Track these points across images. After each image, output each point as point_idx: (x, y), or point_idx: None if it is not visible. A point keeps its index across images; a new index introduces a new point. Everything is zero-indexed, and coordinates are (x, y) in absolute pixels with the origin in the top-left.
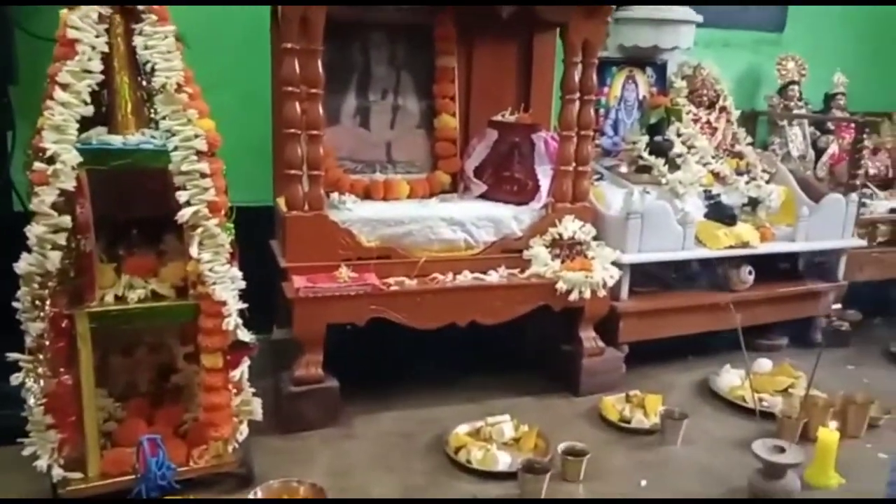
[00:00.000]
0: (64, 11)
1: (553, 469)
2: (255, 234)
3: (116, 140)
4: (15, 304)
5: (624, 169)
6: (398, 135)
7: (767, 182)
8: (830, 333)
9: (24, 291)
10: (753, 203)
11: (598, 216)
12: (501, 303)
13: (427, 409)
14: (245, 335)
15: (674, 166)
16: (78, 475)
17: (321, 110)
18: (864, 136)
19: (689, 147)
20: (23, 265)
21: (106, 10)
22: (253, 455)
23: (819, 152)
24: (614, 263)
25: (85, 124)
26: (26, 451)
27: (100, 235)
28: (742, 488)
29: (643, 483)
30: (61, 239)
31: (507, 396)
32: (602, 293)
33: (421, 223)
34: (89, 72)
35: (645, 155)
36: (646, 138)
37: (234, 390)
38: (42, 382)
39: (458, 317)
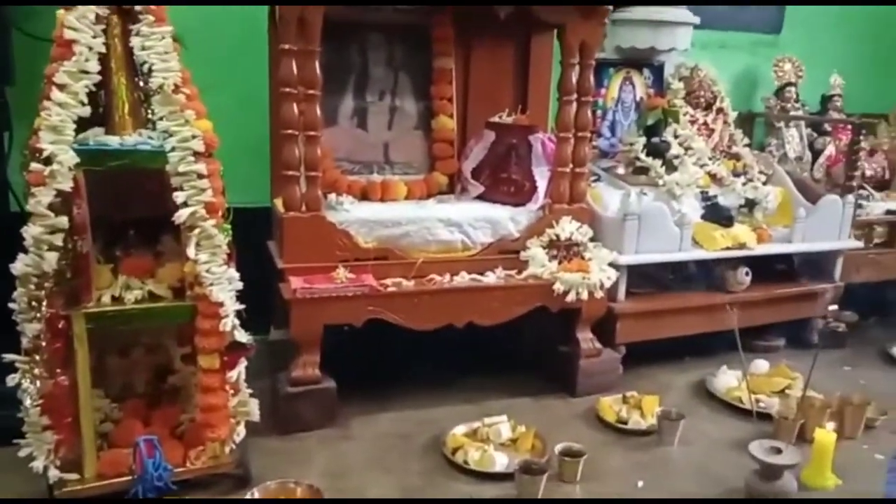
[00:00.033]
0: (61, 12)
1: (550, 470)
2: (252, 234)
3: (113, 141)
4: (11, 305)
5: (621, 170)
6: (396, 136)
7: (764, 183)
8: (827, 334)
9: (20, 292)
10: (750, 204)
11: (595, 217)
12: (498, 304)
13: (424, 410)
14: (242, 336)
15: (671, 168)
16: (74, 476)
17: (319, 111)
18: (861, 137)
19: (686, 148)
20: (19, 266)
21: (103, 10)
22: (250, 456)
23: (816, 154)
24: (611, 265)
25: (82, 125)
26: (22, 453)
27: (97, 236)
28: (739, 489)
29: (640, 484)
30: (58, 240)
31: (505, 397)
32: (599, 294)
33: (418, 224)
34: (86, 72)
35: (642, 156)
36: (643, 140)
37: (231, 391)
38: (38, 383)
39: (455, 318)
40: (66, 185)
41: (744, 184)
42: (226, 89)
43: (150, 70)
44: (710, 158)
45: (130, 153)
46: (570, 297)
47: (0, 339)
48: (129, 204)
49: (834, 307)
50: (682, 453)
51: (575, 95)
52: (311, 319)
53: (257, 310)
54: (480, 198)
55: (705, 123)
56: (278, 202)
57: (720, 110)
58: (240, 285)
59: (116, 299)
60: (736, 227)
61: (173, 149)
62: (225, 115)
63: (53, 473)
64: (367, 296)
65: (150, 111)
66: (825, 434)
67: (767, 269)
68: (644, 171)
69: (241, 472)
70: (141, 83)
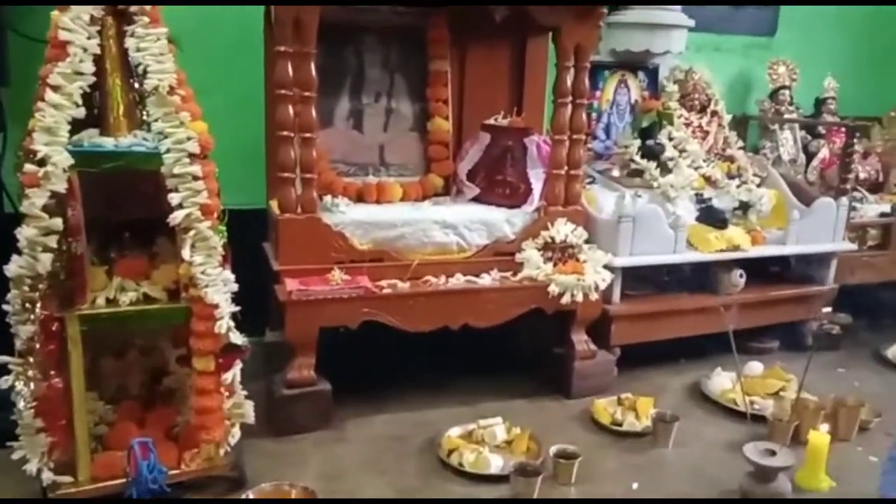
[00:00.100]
0: (55, 13)
1: (545, 472)
2: (247, 236)
3: (108, 142)
4: (5, 307)
5: (616, 172)
6: (391, 138)
7: (758, 186)
8: (821, 337)
9: (14, 294)
10: (744, 207)
11: (590, 219)
12: (494, 306)
13: (419, 412)
14: (237, 338)
15: (665, 170)
16: (68, 479)
17: (314, 113)
18: (855, 140)
19: (681, 151)
20: (13, 267)
21: (98, 11)
22: (245, 458)
23: (810, 156)
24: (606, 267)
25: (77, 126)
26: (16, 455)
27: (91, 238)
28: (733, 491)
29: (635, 486)
30: (52, 241)
31: (500, 399)
32: (594, 296)
33: (414, 226)
34: (81, 74)
35: (637, 158)
36: (638, 142)
37: (226, 393)
38: (32, 385)
39: (450, 320)
40: (61, 187)
41: (738, 186)
42: (221, 91)
43: (145, 71)
44: (704, 161)
45: (125, 155)
46: (565, 299)
47: None
48: (123, 205)
49: (828, 309)
50: (677, 455)
51: (570, 98)
52: (307, 321)
53: (252, 311)
54: (476, 200)
55: (700, 126)
56: (274, 204)
57: (714, 113)
58: (235, 287)
59: (111, 301)
60: (730, 230)
61: (168, 150)
62: (220, 116)
63: (47, 476)
64: (362, 298)
65: (144, 113)
66: (819, 436)
67: (762, 271)
68: (639, 173)
69: (235, 474)
70: (136, 85)
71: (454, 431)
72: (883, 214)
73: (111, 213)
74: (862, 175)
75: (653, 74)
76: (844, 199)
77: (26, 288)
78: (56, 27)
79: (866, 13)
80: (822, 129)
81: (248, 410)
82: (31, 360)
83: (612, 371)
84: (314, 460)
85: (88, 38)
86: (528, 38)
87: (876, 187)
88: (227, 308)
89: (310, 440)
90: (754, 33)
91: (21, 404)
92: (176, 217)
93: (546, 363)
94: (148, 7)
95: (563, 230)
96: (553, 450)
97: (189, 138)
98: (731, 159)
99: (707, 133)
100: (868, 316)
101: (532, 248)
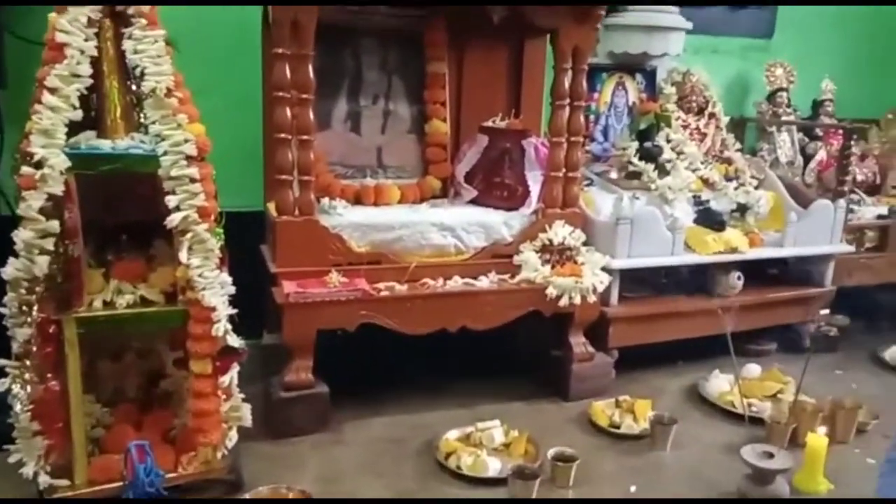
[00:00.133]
0: (52, 15)
1: (543, 475)
2: (245, 239)
3: (105, 145)
4: (2, 310)
5: (614, 175)
6: (389, 140)
7: (756, 188)
8: (819, 339)
9: (11, 297)
10: (742, 209)
11: (587, 222)
12: (491, 308)
13: (417, 415)
14: (234, 340)
15: (663, 172)
16: (65, 482)
17: (312, 115)
18: (852, 142)
19: (679, 153)
20: (10, 270)
21: (95, 13)
22: (242, 461)
23: (807, 158)
24: (604, 269)
25: (74, 129)
26: (12, 458)
27: (88, 240)
28: (731, 493)
29: (633, 489)
30: (49, 244)
31: (497, 402)
32: (592, 298)
33: (411, 228)
34: (78, 76)
35: (634, 161)
36: (635, 144)
37: (224, 396)
38: (29, 388)
39: (448, 322)
40: (58, 189)
41: (736, 188)
42: (218, 93)
43: (142, 73)
44: (702, 163)
45: (122, 157)
46: (563, 302)
47: None
48: (120, 208)
49: (825, 311)
50: (675, 458)
51: (568, 100)
52: (304, 324)
53: (250, 314)
54: (474, 202)
55: (697, 128)
56: (271, 206)
57: (712, 115)
58: (232, 290)
59: (108, 304)
60: (728, 232)
61: (165, 153)
62: (218, 118)
63: (44, 479)
64: (360, 300)
65: (142, 115)
66: (817, 438)
67: (759, 273)
68: (636, 175)
69: (233, 477)
70: (133, 87)
71: (452, 434)
72: (880, 216)
73: (108, 215)
74: (859, 177)
75: (650, 76)
76: (842, 202)
77: (23, 290)
78: (53, 29)
79: (864, 16)
80: (819, 132)
81: (246, 413)
82: (28, 362)
83: (610, 373)
84: (312, 463)
85: (86, 40)
86: (526, 40)
87: (873, 189)
88: (224, 311)
89: (307, 443)
90: (752, 35)
91: (18, 407)
92: (173, 219)
93: (544, 365)
94: (145, 9)
95: (560, 232)
96: (551, 452)
97: (186, 140)
98: (729, 161)
99: (705, 135)
100: (866, 318)
101: (530, 250)
